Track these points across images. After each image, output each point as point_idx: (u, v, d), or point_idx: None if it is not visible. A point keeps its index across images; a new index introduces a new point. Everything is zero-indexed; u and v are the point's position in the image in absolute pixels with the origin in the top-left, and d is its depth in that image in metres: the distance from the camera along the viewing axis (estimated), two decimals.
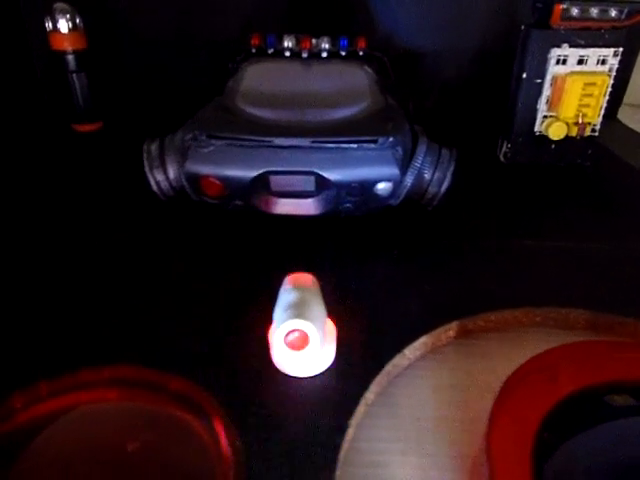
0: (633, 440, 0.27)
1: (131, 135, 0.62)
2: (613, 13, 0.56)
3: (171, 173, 0.48)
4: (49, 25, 0.72)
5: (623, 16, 0.57)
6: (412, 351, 0.35)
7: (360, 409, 0.30)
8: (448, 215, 0.51)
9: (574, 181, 0.62)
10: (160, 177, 0.48)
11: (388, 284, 0.41)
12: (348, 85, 0.50)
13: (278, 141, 0.42)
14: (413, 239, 0.48)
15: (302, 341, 0.29)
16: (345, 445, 0.28)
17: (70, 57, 0.74)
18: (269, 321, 0.32)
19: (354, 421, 0.29)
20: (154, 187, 0.48)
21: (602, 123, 0.62)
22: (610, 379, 0.29)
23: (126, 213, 0.52)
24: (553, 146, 0.64)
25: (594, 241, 0.48)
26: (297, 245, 0.45)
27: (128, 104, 0.84)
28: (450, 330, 0.37)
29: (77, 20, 0.73)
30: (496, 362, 0.35)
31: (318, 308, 0.31)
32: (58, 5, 0.72)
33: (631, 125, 0.93)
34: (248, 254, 0.45)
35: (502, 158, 0.67)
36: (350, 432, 0.29)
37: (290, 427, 0.28)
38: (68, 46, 0.73)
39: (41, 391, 0.30)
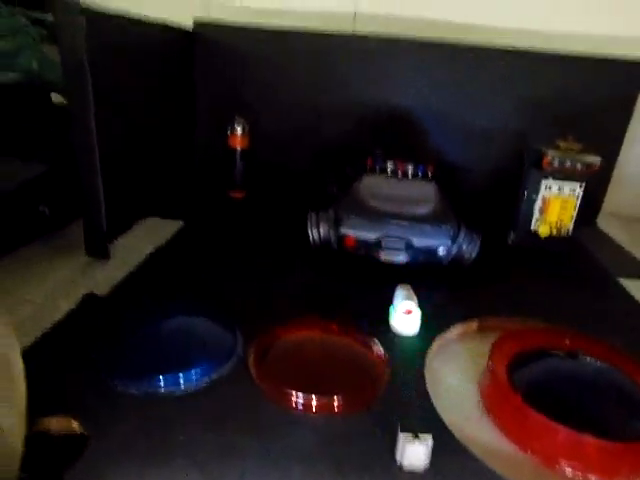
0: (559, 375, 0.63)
1: (269, 202, 1.03)
2: (578, 165, 0.96)
3: (322, 232, 0.87)
4: (229, 129, 1.16)
5: (585, 167, 0.97)
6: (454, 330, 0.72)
7: (428, 356, 0.66)
8: (474, 272, 0.89)
9: (555, 262, 1.00)
10: (316, 234, 0.87)
11: (441, 296, 0.78)
12: (423, 194, 0.90)
13: (392, 221, 0.82)
14: (456, 283, 0.86)
15: (410, 312, 0.67)
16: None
17: (238, 151, 1.17)
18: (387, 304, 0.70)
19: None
20: (310, 239, 0.88)
21: (581, 227, 1.00)
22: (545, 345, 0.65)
23: (288, 255, 0.92)
24: (542, 239, 1.03)
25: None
26: (390, 277, 0.83)
27: (264, 181, 1.26)
28: (472, 325, 0.74)
29: (246, 128, 1.16)
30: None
31: (414, 299, 0.69)
32: (238, 118, 1.16)
33: (606, 229, 1.32)
34: (362, 278, 0.83)
35: (510, 243, 1.05)
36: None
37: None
38: (239, 145, 1.16)
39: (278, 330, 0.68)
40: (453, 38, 1.16)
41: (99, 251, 0.89)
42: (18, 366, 0.43)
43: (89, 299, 0.74)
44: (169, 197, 1.16)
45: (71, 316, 0.70)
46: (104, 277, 0.82)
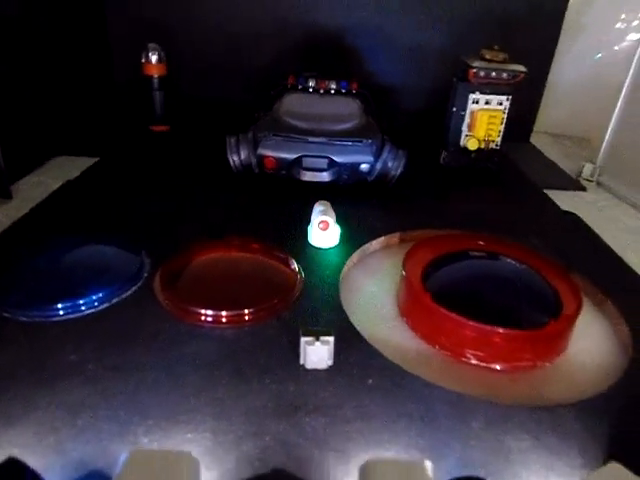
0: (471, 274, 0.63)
1: (191, 134, 0.97)
2: (504, 75, 0.94)
3: (242, 156, 0.83)
4: (144, 57, 1.07)
5: (510, 77, 0.95)
6: (375, 243, 0.71)
7: (345, 268, 0.65)
8: (404, 190, 0.88)
9: (484, 177, 1.00)
10: (236, 158, 0.83)
11: (365, 212, 0.77)
12: (346, 110, 0.86)
13: (310, 139, 0.78)
14: (381, 196, 0.84)
15: (326, 226, 0.65)
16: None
17: (155, 80, 1.09)
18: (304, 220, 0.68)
19: (342, 273, 0.64)
20: (231, 164, 0.83)
21: (515, 146, 0.99)
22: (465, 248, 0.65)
23: (210, 180, 0.88)
24: (472, 155, 1.02)
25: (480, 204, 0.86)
26: (315, 196, 0.81)
27: (188, 113, 1.19)
28: (395, 237, 0.73)
29: (162, 55, 1.08)
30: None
31: (332, 214, 0.67)
32: (151, 44, 1.07)
33: (539, 146, 1.33)
34: (285, 199, 0.80)
35: (442, 162, 1.04)
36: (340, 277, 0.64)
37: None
38: (155, 72, 1.08)
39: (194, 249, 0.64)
40: None
41: None
42: None
43: None
44: (84, 134, 1.08)
45: None
46: (4, 217, 0.77)
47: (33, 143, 0.94)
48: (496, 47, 0.96)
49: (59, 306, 0.52)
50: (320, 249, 0.67)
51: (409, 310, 0.57)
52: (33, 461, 0.37)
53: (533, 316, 0.55)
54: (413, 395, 0.45)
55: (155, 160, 0.99)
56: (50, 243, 0.64)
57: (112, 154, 1.00)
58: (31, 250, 0.63)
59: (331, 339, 0.46)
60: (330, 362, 0.47)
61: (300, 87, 0.91)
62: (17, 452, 0.37)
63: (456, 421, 0.42)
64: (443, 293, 0.56)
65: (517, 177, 1.04)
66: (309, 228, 0.68)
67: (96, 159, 0.98)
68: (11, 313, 0.52)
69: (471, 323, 0.50)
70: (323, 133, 0.81)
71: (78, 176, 0.88)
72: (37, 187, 0.88)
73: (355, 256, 0.68)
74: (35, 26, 0.91)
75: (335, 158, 0.80)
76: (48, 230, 0.70)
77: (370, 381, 0.46)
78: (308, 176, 0.81)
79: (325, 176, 0.81)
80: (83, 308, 0.53)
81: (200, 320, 0.53)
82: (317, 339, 0.45)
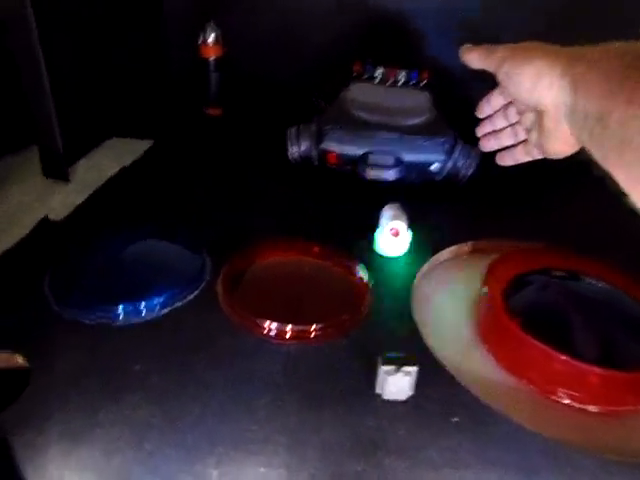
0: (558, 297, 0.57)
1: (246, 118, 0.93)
2: None
3: (303, 148, 0.78)
4: (200, 38, 1.03)
5: None
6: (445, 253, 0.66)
7: (415, 280, 0.60)
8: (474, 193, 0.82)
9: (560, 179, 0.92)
10: (295, 150, 0.79)
11: (434, 216, 0.72)
12: (416, 103, 0.80)
13: (379, 134, 0.73)
14: (449, 198, 0.78)
15: (397, 232, 0.60)
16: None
17: (212, 62, 1.05)
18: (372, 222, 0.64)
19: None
20: (290, 156, 0.79)
21: None
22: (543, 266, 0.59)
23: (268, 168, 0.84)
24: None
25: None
26: (377, 196, 0.76)
27: (242, 95, 1.15)
28: (466, 247, 0.68)
29: (219, 35, 1.04)
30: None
31: (404, 219, 0.62)
32: (209, 25, 1.03)
33: None
34: (345, 197, 0.76)
35: None
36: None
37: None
38: (212, 54, 1.04)
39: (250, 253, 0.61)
40: None
41: (57, 173, 0.81)
42: None
43: (43, 225, 0.67)
44: (139, 116, 1.06)
45: (22, 244, 0.63)
46: (62, 202, 0.75)
47: (89, 125, 0.92)
48: None
49: (120, 310, 0.50)
50: (388, 257, 0.63)
51: (492, 336, 0.52)
52: None
53: (632, 350, 0.49)
54: (505, 440, 0.40)
55: (209, 146, 0.96)
56: (109, 237, 0.62)
57: (166, 138, 0.98)
58: (90, 244, 0.61)
59: (414, 370, 0.42)
60: (411, 393, 0.43)
61: (367, 76, 0.85)
62: (84, 476, 0.35)
63: (559, 476, 0.37)
64: (529, 319, 0.51)
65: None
66: (376, 234, 0.64)
67: (149, 142, 0.96)
68: (72, 314, 0.50)
69: (570, 360, 0.45)
70: (393, 128, 0.75)
71: (133, 162, 0.86)
72: (91, 170, 0.86)
73: (425, 266, 0.63)
74: (91, 6, 0.89)
75: (404, 156, 0.74)
76: (106, 221, 0.68)
77: (455, 419, 0.41)
78: (372, 174, 0.76)
79: (391, 174, 0.75)
80: (144, 313, 0.51)
81: (263, 333, 0.50)
82: (399, 369, 0.41)
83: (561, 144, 0.48)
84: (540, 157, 0.73)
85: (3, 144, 0.86)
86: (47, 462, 0.36)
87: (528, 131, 0.49)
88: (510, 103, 0.51)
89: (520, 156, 0.60)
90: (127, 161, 0.86)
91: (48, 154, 0.80)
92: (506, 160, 0.58)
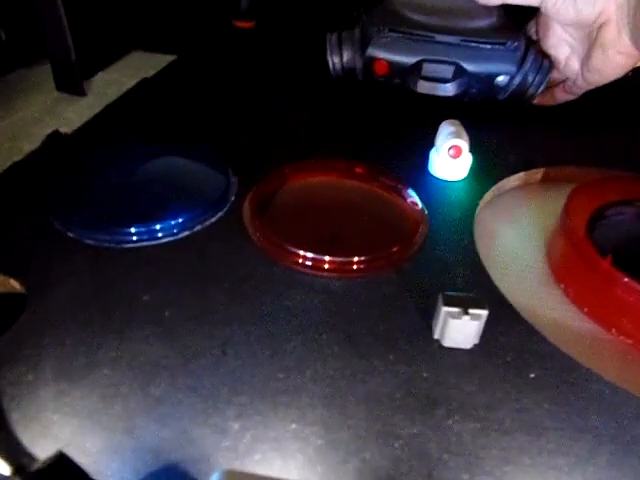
0: None
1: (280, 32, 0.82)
2: None
3: (345, 57, 0.67)
4: None
5: None
6: (512, 180, 0.55)
7: (478, 209, 0.51)
8: (543, 113, 0.70)
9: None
10: (337, 60, 0.68)
11: (498, 138, 0.61)
12: (479, 2, 0.67)
13: (438, 37, 0.61)
14: (516, 119, 0.67)
15: (458, 152, 0.50)
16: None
17: None
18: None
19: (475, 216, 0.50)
20: (330, 67, 0.68)
21: None
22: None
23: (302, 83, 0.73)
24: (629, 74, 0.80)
25: None
26: (430, 114, 0.65)
27: (276, 6, 1.03)
28: (537, 173, 0.57)
29: None
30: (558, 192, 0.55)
31: (466, 137, 0.52)
32: None
33: None
34: (393, 115, 0.65)
35: None
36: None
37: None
38: None
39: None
40: None
41: (71, 86, 0.73)
42: None
43: (53, 138, 0.59)
44: (163, 28, 0.95)
45: (29, 158, 0.56)
46: (76, 115, 0.67)
47: (109, 37, 0.83)
48: None
49: (132, 231, 0.43)
50: (445, 182, 0.53)
51: (573, 278, 0.43)
52: (93, 439, 0.28)
53: None
54: (595, 401, 0.32)
55: (239, 61, 0.85)
56: (123, 151, 0.54)
57: (192, 51, 0.88)
58: (101, 158, 0.54)
59: (484, 313, 0.33)
60: (476, 341, 0.35)
61: None
62: (78, 423, 0.29)
63: None
64: (620, 256, 0.41)
65: None
66: (431, 154, 0.54)
67: (173, 56, 0.86)
68: (77, 233, 0.43)
69: None
70: (452, 31, 0.63)
71: (155, 74, 0.77)
72: (111, 85, 0.78)
73: (488, 194, 0.53)
74: None
75: (466, 66, 0.62)
76: (121, 134, 0.60)
77: (532, 375, 0.33)
78: (426, 87, 0.64)
79: (449, 89, 0.64)
80: (160, 235, 0.43)
81: (298, 264, 0.42)
82: (465, 311, 0.33)
83: (622, 57, 0.52)
84: (581, 92, 0.68)
85: (16, 56, 0.78)
86: (37, 403, 0.30)
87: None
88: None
89: (560, 94, 0.66)
90: (147, 75, 0.77)
91: (59, 65, 0.72)
92: (548, 100, 0.63)
